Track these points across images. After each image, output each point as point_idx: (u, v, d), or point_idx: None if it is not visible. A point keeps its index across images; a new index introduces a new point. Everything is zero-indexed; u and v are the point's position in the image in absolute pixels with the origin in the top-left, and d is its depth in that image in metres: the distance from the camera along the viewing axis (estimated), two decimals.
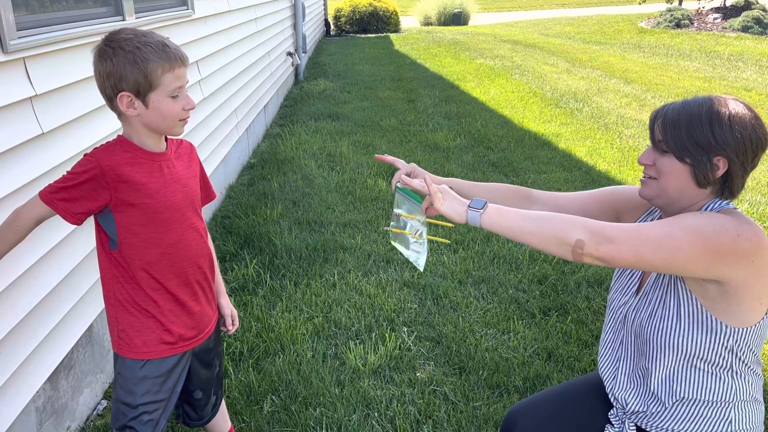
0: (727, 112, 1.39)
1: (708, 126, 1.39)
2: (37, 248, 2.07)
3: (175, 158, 1.64)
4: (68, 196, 1.50)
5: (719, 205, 1.44)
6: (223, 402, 2.06)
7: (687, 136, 1.40)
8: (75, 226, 2.29)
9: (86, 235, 2.41)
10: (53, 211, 1.52)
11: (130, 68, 1.44)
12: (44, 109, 2.15)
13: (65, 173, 1.52)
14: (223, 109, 4.54)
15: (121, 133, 1.58)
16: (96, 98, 2.51)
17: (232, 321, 1.92)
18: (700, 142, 1.39)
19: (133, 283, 1.61)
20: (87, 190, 1.50)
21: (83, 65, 2.44)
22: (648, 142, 1.65)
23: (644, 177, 1.52)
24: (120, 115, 1.53)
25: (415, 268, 3.51)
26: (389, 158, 1.82)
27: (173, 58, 1.48)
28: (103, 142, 2.49)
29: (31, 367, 2.06)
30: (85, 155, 1.52)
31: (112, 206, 1.53)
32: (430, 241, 1.67)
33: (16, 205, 1.96)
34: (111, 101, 1.50)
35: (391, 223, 1.70)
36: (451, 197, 1.49)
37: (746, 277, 1.35)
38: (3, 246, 1.58)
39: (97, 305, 2.53)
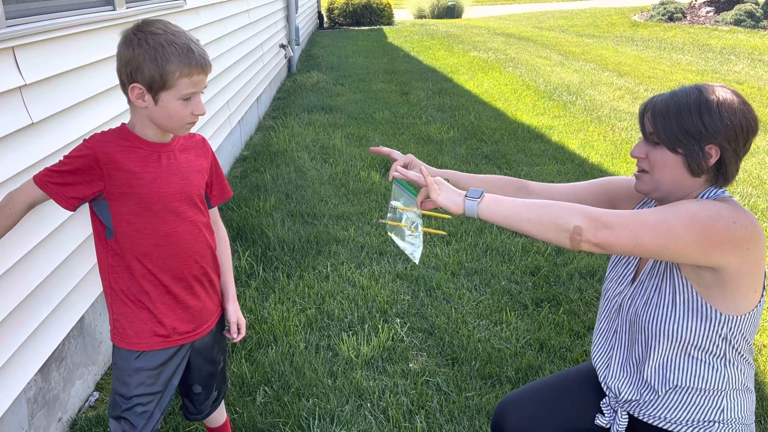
0: (716, 100, 1.39)
1: (697, 115, 1.39)
2: (28, 239, 2.06)
3: (179, 150, 1.62)
4: (62, 180, 1.50)
5: (714, 193, 1.45)
6: None
7: (677, 127, 1.41)
8: (66, 216, 2.27)
9: (78, 226, 2.40)
10: (46, 195, 1.51)
11: (149, 63, 1.43)
12: (34, 99, 2.13)
13: (62, 158, 1.52)
14: (215, 100, 4.51)
15: (121, 120, 1.57)
16: (87, 88, 2.50)
17: (238, 329, 1.86)
18: (690, 131, 1.40)
19: (127, 273, 1.60)
20: (80, 176, 1.49)
21: (73, 55, 2.42)
22: (640, 134, 1.66)
23: (638, 172, 1.52)
24: (129, 101, 1.53)
25: (408, 260, 3.52)
26: (384, 150, 1.79)
27: (194, 64, 1.47)
28: (96, 131, 2.49)
29: (23, 358, 2.05)
30: (83, 140, 1.52)
31: (106, 194, 1.53)
32: (424, 233, 1.68)
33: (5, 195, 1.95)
34: (124, 87, 1.50)
35: (388, 215, 1.70)
36: (447, 188, 1.49)
37: (741, 265, 1.36)
38: None
39: (88, 296, 2.52)
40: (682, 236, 1.33)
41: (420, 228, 1.64)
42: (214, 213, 1.83)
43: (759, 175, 5.13)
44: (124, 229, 1.56)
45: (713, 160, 1.41)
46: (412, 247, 1.66)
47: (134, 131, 1.55)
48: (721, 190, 1.45)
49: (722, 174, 1.43)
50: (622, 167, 5.26)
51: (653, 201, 1.61)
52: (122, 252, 1.58)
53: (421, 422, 2.35)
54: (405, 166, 1.74)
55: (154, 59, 1.43)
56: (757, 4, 15.97)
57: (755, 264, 1.38)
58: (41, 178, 1.51)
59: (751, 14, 15.35)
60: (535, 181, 1.82)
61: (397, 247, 1.97)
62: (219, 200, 1.81)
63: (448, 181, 1.61)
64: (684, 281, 1.44)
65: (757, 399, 2.46)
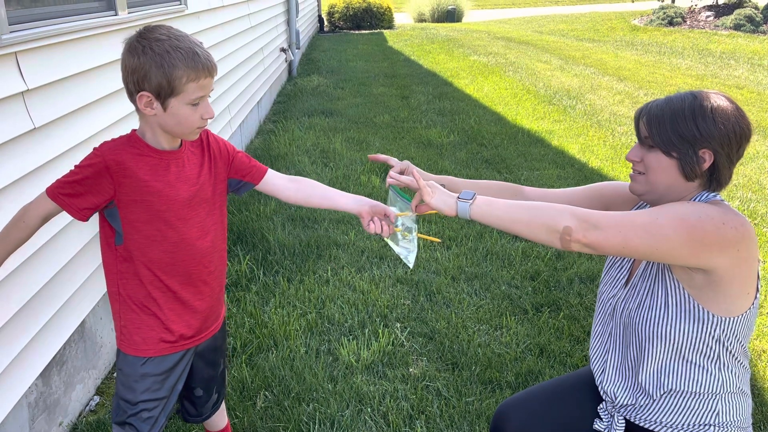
0: (710, 106, 1.42)
1: (692, 120, 1.41)
2: (30, 243, 2.06)
3: (188, 156, 1.62)
4: (72, 191, 1.49)
5: (707, 197, 1.47)
6: None
7: (672, 131, 1.43)
8: (67, 221, 2.28)
9: (80, 230, 2.40)
10: (59, 207, 1.50)
11: (155, 71, 1.42)
12: (36, 104, 2.14)
13: (73, 167, 1.51)
14: (216, 104, 4.53)
15: (124, 124, 1.56)
16: (89, 93, 2.51)
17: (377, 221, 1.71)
18: (685, 136, 1.42)
19: (136, 279, 1.59)
20: (91, 185, 1.48)
21: (76, 60, 2.43)
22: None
23: (633, 173, 1.54)
24: (137, 109, 1.52)
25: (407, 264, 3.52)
26: (382, 157, 1.83)
27: (201, 68, 1.46)
28: (98, 136, 2.50)
29: (24, 362, 2.06)
30: (93, 149, 1.51)
31: (117, 201, 1.52)
32: (419, 239, 1.70)
33: (7, 201, 1.96)
34: (131, 95, 1.49)
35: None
36: (439, 191, 1.52)
37: (732, 266, 1.37)
38: (8, 244, 1.55)
39: (89, 301, 2.52)
40: (671, 237, 1.34)
41: (414, 233, 1.66)
42: (272, 178, 1.80)
43: (759, 180, 5.13)
44: (134, 236, 1.55)
45: (707, 165, 1.43)
46: (407, 251, 1.69)
47: (144, 139, 1.54)
48: (713, 194, 1.47)
49: (715, 178, 1.45)
50: (622, 171, 5.27)
51: (647, 205, 1.62)
52: (131, 258, 1.57)
53: (421, 427, 2.35)
54: (401, 173, 1.76)
55: (160, 66, 1.42)
56: (756, 8, 16.00)
57: (747, 266, 1.39)
58: (53, 190, 1.50)
59: (750, 19, 15.38)
60: (531, 186, 1.85)
61: (393, 251, 2.00)
62: (258, 177, 1.78)
63: (444, 186, 1.63)
64: (676, 283, 1.45)
65: (757, 404, 2.46)
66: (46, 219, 1.55)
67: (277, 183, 1.82)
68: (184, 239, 1.60)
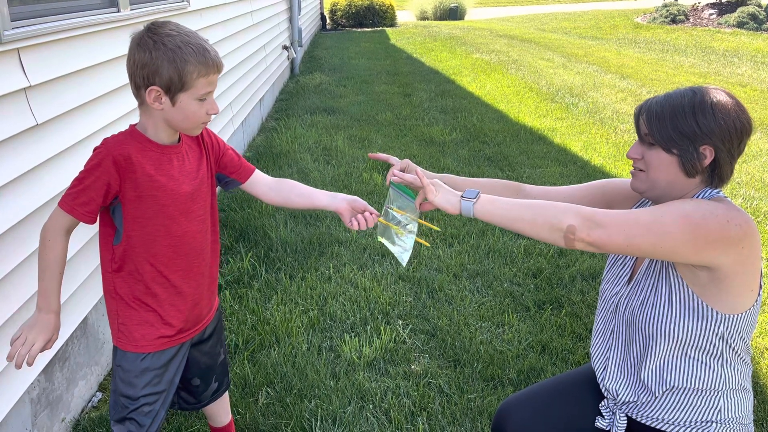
0: (710, 101, 1.41)
1: (692, 116, 1.41)
2: (30, 241, 2.07)
3: (187, 150, 1.62)
4: (86, 198, 1.47)
5: (709, 194, 1.46)
6: (227, 394, 2.05)
7: (672, 128, 1.42)
8: None
9: (81, 227, 2.40)
10: (77, 220, 1.49)
11: (167, 65, 1.43)
12: (39, 101, 2.14)
13: (78, 173, 1.49)
14: (218, 102, 4.52)
15: (126, 121, 1.56)
16: (91, 90, 2.51)
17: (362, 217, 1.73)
18: (685, 132, 1.41)
19: (134, 276, 1.59)
20: (101, 184, 1.47)
21: (78, 56, 2.43)
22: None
23: (634, 170, 1.53)
24: (141, 104, 1.51)
25: (410, 261, 3.52)
26: (382, 156, 1.84)
27: (210, 64, 1.47)
28: (101, 133, 2.50)
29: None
30: (94, 148, 1.50)
31: (121, 198, 1.51)
32: (416, 243, 1.70)
33: (10, 198, 1.96)
34: (138, 90, 1.49)
35: (380, 218, 1.71)
36: (443, 189, 1.52)
37: (735, 264, 1.37)
38: (52, 268, 1.51)
39: (91, 297, 2.52)
40: (675, 235, 1.34)
41: (414, 229, 1.66)
42: (258, 179, 1.83)
43: (761, 178, 5.12)
44: (137, 233, 1.55)
45: (708, 161, 1.42)
46: (402, 249, 1.68)
47: (146, 134, 1.54)
48: (716, 191, 1.46)
49: (717, 175, 1.45)
50: (625, 169, 5.26)
51: (649, 202, 1.62)
52: (132, 256, 1.57)
53: (423, 424, 2.35)
54: (402, 171, 1.76)
55: (172, 61, 1.42)
56: (760, 6, 15.96)
57: (750, 263, 1.39)
58: (68, 204, 1.48)
59: (753, 17, 15.34)
60: (533, 184, 1.85)
61: (387, 249, 2.00)
62: (245, 176, 1.80)
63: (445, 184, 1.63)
64: (680, 280, 1.45)
65: (759, 401, 2.46)
66: (68, 231, 1.52)
67: (262, 184, 1.84)
68: (187, 233, 1.61)
